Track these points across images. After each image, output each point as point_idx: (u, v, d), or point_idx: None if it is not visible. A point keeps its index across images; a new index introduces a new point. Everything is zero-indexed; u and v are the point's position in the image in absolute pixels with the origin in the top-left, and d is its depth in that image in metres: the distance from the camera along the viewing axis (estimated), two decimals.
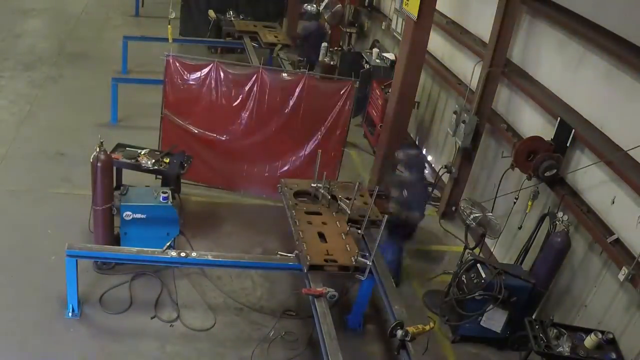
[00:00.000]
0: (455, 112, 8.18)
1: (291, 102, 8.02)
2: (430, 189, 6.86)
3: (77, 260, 5.94)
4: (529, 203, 6.89)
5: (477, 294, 6.14)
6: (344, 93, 8.03)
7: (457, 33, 9.23)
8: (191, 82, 7.97)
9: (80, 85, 11.49)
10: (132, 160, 7.35)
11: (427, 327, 5.42)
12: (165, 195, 6.72)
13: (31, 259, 6.86)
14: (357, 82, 8.07)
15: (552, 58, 7.04)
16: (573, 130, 6.33)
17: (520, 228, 7.15)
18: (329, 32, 12.76)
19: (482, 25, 8.42)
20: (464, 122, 7.90)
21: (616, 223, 5.82)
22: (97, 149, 6.39)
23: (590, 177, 6.21)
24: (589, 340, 5.47)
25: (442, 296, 6.87)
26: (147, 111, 10.14)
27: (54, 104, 10.62)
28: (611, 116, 6.05)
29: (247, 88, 7.94)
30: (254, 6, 13.84)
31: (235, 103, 8.03)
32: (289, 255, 6.15)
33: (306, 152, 8.21)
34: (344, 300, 6.57)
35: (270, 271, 6.97)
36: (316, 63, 12.14)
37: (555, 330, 5.60)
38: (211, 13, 13.11)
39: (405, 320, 5.49)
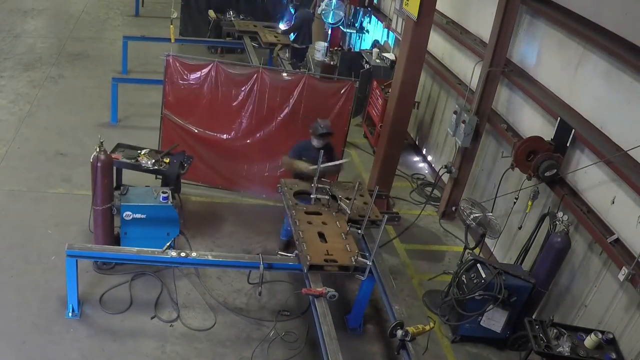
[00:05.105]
0: (455, 112, 8.18)
1: (291, 102, 8.02)
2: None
3: (77, 260, 5.94)
4: (529, 203, 6.89)
5: (477, 294, 6.14)
6: (344, 93, 8.03)
7: (457, 33, 9.23)
8: (191, 82, 7.97)
9: (80, 85, 11.51)
10: (132, 160, 7.34)
11: (427, 327, 5.41)
12: (165, 195, 6.72)
13: (31, 259, 6.87)
14: (357, 82, 8.08)
15: (552, 58, 7.04)
16: (573, 130, 6.33)
17: (520, 228, 7.15)
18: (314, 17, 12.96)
19: (482, 25, 8.43)
20: (464, 122, 7.90)
21: (616, 223, 5.81)
22: (97, 149, 6.39)
23: (590, 177, 6.21)
24: (589, 340, 5.47)
25: (442, 296, 6.87)
26: (147, 111, 10.18)
27: (54, 104, 10.63)
28: (611, 116, 6.05)
29: (247, 88, 7.94)
30: (254, 6, 13.86)
31: (235, 103, 8.03)
32: (289, 255, 6.15)
33: None
34: (344, 300, 6.58)
35: (270, 271, 6.97)
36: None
37: (555, 330, 5.60)
38: (211, 13, 13.13)
39: (405, 320, 5.49)
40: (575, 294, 6.27)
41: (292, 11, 12.76)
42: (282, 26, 12.99)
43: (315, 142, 7.04)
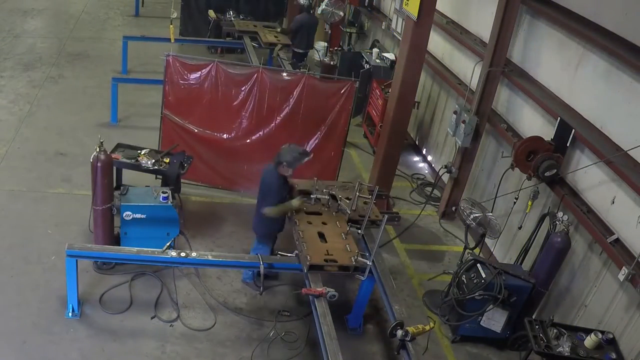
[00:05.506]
0: (455, 112, 8.18)
1: (291, 102, 8.02)
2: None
3: (77, 260, 5.94)
4: (529, 203, 6.89)
5: (477, 294, 6.14)
6: (344, 93, 8.02)
7: (457, 33, 9.23)
8: (191, 82, 7.97)
9: (80, 85, 11.51)
10: (132, 160, 7.35)
11: (427, 327, 5.42)
12: (165, 195, 6.72)
13: (31, 259, 6.87)
14: (357, 82, 8.08)
15: (552, 58, 7.04)
16: (573, 130, 6.33)
17: (520, 228, 7.15)
18: (318, 22, 12.91)
19: (482, 25, 8.43)
20: (464, 122, 7.90)
21: (616, 223, 5.82)
22: (97, 149, 6.39)
23: (590, 177, 6.22)
24: (589, 340, 5.48)
25: (442, 296, 6.87)
26: (147, 111, 10.18)
27: (54, 104, 10.63)
28: (611, 116, 6.05)
29: (247, 88, 7.93)
30: (254, 6, 13.86)
31: (235, 103, 8.03)
32: (289, 255, 6.15)
33: None
34: (344, 300, 6.57)
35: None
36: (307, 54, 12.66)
37: (555, 330, 5.61)
38: (211, 13, 13.13)
39: (405, 320, 5.49)
40: (575, 294, 6.27)
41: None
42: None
43: (290, 172, 6.39)
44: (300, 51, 12.29)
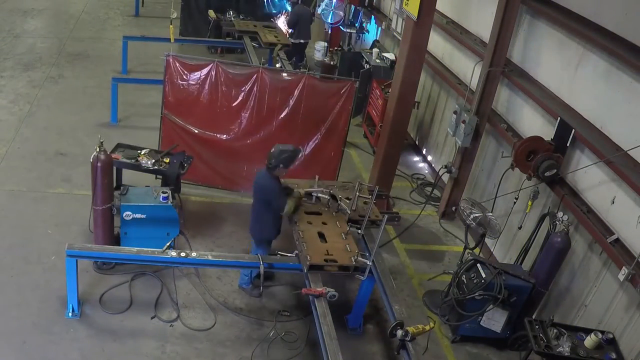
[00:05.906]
0: (455, 112, 8.18)
1: (291, 102, 8.02)
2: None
3: (77, 260, 5.94)
4: (529, 203, 6.89)
5: (477, 294, 6.14)
6: (344, 93, 8.02)
7: (457, 33, 9.23)
8: (191, 82, 7.97)
9: (80, 85, 11.51)
10: (132, 160, 7.35)
11: (427, 327, 5.42)
12: (165, 195, 6.72)
13: (31, 259, 6.88)
14: (357, 82, 8.08)
15: (552, 58, 7.03)
16: (573, 130, 6.33)
17: (520, 228, 7.15)
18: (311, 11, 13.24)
19: (482, 25, 8.43)
20: (464, 122, 7.90)
21: (616, 223, 5.81)
22: (97, 149, 6.39)
23: (590, 177, 6.21)
24: (589, 340, 5.47)
25: (442, 296, 6.87)
26: (147, 111, 10.18)
27: (54, 104, 10.64)
28: (611, 116, 6.04)
29: (247, 88, 7.94)
30: (254, 6, 13.87)
31: (235, 103, 8.03)
32: (289, 255, 6.15)
33: (306, 152, 8.20)
34: (344, 300, 6.57)
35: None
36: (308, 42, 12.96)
37: (555, 330, 5.60)
38: (211, 13, 13.15)
39: (405, 320, 5.49)
40: (575, 294, 6.27)
41: (288, 9, 12.94)
42: (281, 21, 13.14)
43: (285, 172, 6.32)
44: (302, 41, 12.41)
